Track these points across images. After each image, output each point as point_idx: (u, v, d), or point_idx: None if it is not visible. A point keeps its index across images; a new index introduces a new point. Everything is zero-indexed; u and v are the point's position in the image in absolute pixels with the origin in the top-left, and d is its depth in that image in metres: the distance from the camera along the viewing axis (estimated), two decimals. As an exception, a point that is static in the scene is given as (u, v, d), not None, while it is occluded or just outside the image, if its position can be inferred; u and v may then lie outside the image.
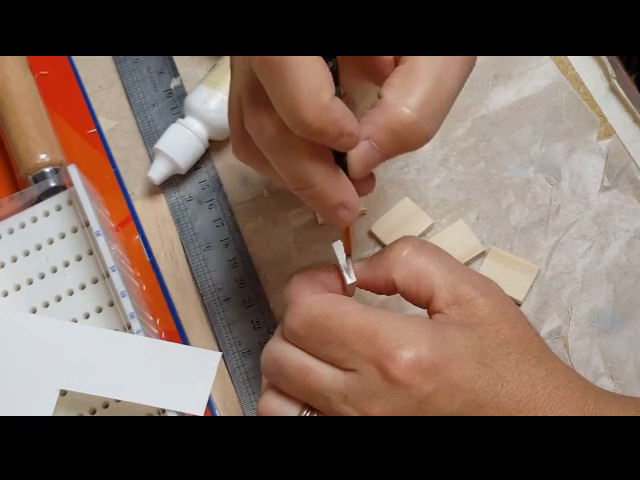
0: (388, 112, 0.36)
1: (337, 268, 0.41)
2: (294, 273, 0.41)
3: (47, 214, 0.53)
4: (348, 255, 0.41)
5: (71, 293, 0.52)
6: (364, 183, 0.39)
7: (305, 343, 0.38)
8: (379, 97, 0.36)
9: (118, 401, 0.48)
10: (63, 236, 0.53)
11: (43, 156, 0.54)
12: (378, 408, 0.36)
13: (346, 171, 0.37)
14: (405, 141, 0.36)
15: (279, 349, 0.39)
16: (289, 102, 0.33)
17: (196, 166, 0.56)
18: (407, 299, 0.40)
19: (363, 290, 0.42)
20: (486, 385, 0.36)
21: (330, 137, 0.34)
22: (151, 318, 0.52)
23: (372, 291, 0.41)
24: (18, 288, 0.52)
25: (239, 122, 0.39)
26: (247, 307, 0.53)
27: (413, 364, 0.35)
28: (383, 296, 0.42)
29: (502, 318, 0.38)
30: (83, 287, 0.52)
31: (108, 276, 0.50)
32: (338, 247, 0.41)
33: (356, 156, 0.36)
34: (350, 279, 0.40)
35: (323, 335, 0.37)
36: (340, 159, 0.37)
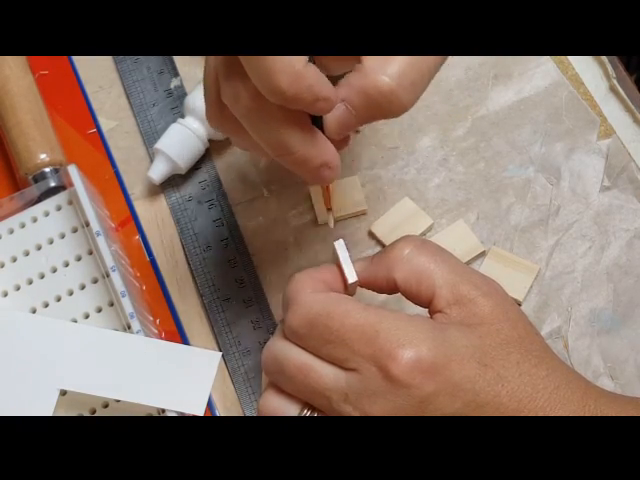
0: (366, 78, 0.36)
1: (338, 267, 0.41)
2: (295, 272, 0.41)
3: (47, 214, 0.53)
4: (329, 209, 0.41)
5: (71, 293, 0.52)
6: (341, 140, 0.39)
7: (306, 342, 0.38)
8: (358, 62, 0.36)
9: (118, 401, 0.48)
10: (63, 236, 0.53)
11: (43, 156, 0.54)
12: (378, 408, 0.35)
13: (323, 130, 0.38)
14: (381, 109, 0.36)
15: (280, 347, 0.39)
16: (263, 70, 0.34)
17: (196, 166, 0.56)
18: (408, 298, 0.40)
19: (364, 289, 0.42)
20: (487, 385, 0.36)
21: (305, 103, 0.35)
22: (151, 318, 0.52)
23: (373, 290, 0.41)
24: (18, 288, 0.52)
25: (215, 94, 0.39)
26: (247, 307, 0.53)
27: (414, 364, 0.35)
28: (384, 295, 0.42)
29: (503, 318, 0.38)
30: (83, 287, 0.52)
31: (108, 276, 0.50)
32: (339, 246, 0.41)
33: (332, 119, 0.37)
34: (351, 278, 0.40)
35: (324, 334, 0.37)
36: (316, 120, 0.38)
